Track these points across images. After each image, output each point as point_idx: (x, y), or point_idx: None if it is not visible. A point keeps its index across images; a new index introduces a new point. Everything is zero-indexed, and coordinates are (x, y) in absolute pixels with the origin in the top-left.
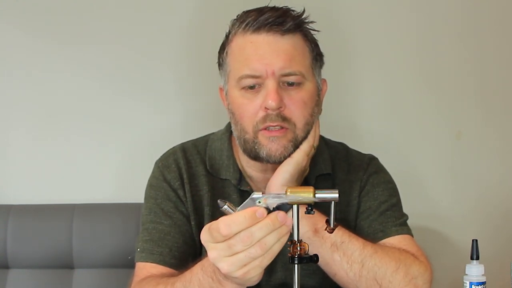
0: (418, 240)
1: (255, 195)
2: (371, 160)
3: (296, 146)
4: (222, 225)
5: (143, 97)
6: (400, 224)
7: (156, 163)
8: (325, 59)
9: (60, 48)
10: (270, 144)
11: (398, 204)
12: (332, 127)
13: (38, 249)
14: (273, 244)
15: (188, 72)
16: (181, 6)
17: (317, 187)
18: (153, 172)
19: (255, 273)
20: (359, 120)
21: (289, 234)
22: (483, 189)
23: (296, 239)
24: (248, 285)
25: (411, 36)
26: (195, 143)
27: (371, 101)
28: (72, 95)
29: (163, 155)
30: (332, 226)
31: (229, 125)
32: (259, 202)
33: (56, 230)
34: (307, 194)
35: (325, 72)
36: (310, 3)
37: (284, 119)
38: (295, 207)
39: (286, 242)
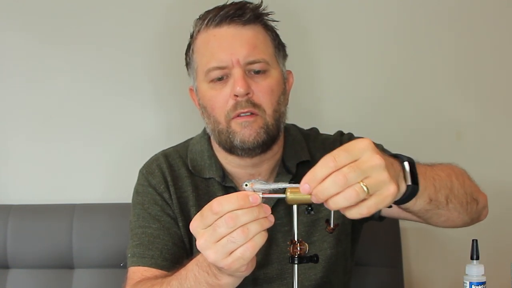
0: (418, 240)
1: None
2: (343, 134)
3: (267, 133)
4: (214, 202)
5: (143, 96)
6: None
7: (140, 171)
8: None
9: (57, 49)
10: (243, 130)
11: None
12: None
13: (38, 249)
14: (255, 234)
15: (180, 75)
16: (176, 7)
17: (299, 174)
18: (138, 179)
19: (239, 264)
20: (358, 120)
21: (266, 232)
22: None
23: (296, 239)
24: (240, 276)
25: (408, 34)
26: (176, 148)
27: (371, 101)
28: (72, 97)
29: (146, 163)
30: (332, 226)
31: (206, 129)
32: (246, 185)
33: (56, 230)
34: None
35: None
36: None
37: (254, 105)
38: (294, 207)
39: (286, 242)
